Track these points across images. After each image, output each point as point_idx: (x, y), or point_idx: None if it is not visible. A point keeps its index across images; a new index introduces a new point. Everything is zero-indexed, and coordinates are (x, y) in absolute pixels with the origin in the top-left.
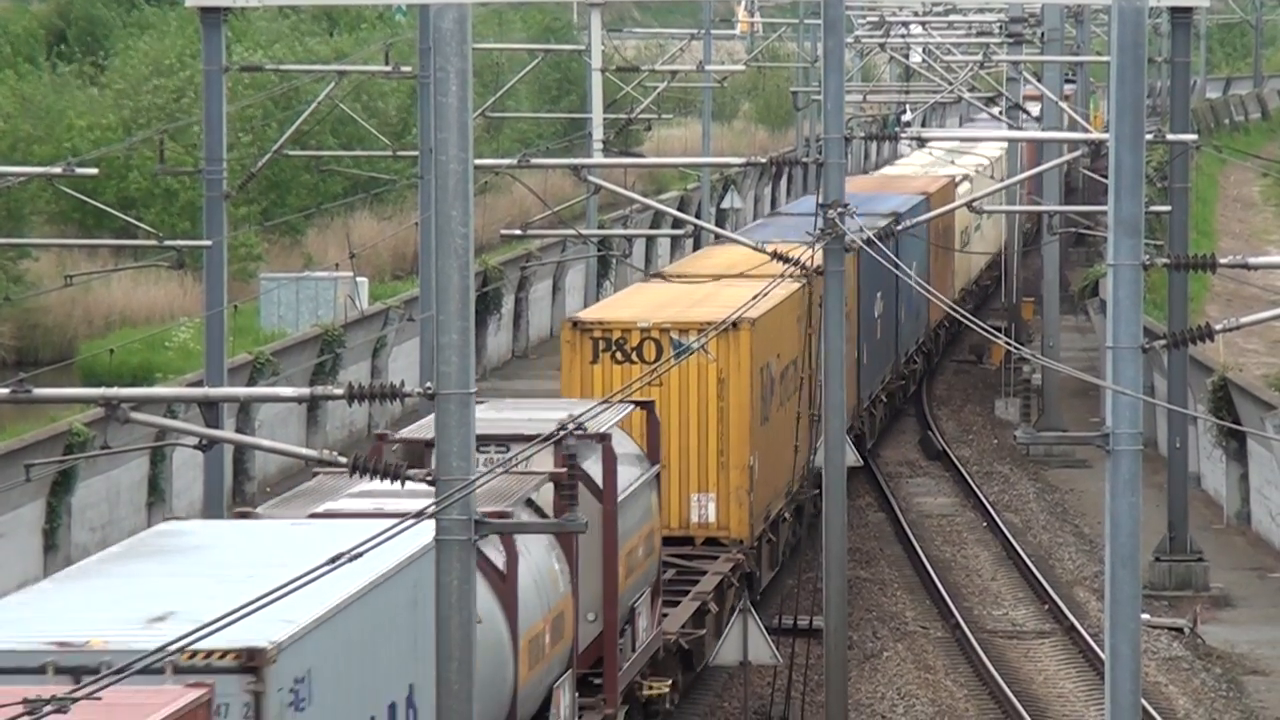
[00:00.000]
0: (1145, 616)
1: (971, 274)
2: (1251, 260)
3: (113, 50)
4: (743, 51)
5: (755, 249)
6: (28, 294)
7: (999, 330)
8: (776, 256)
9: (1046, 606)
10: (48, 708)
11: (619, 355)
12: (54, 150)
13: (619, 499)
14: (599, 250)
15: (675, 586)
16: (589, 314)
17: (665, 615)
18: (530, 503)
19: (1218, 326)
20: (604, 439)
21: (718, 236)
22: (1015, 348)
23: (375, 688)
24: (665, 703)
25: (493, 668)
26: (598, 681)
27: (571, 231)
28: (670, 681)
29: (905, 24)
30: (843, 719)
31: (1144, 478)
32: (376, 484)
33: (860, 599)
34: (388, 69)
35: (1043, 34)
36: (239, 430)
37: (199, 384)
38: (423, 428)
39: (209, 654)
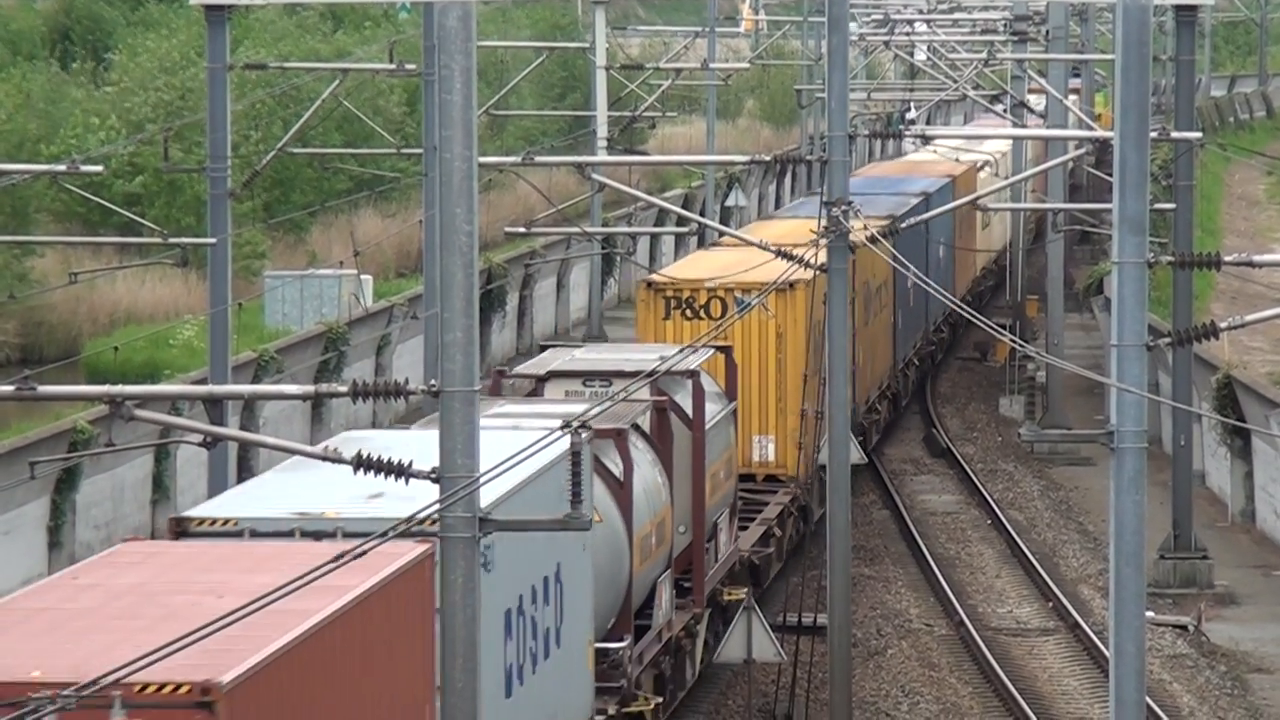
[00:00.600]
0: (1150, 614)
1: (993, 252)
2: (1256, 258)
3: (116, 49)
4: (747, 49)
5: (761, 247)
6: (33, 292)
7: (1003, 328)
8: (782, 254)
9: (1051, 604)
10: (329, 565)
11: (688, 312)
12: (60, 149)
13: (705, 427)
14: (603, 248)
15: (742, 514)
16: (661, 275)
17: (739, 536)
18: (637, 427)
19: (1222, 324)
20: (693, 375)
21: (722, 235)
22: (1020, 345)
23: (535, 561)
24: (740, 606)
25: (612, 559)
26: (687, 585)
27: (576, 229)
28: (745, 590)
29: (910, 22)
30: (847, 716)
31: (1149, 475)
32: (511, 406)
33: (864, 596)
34: (391, 67)
35: (1047, 32)
36: (243, 428)
37: (203, 382)
38: (537, 363)
39: (435, 521)
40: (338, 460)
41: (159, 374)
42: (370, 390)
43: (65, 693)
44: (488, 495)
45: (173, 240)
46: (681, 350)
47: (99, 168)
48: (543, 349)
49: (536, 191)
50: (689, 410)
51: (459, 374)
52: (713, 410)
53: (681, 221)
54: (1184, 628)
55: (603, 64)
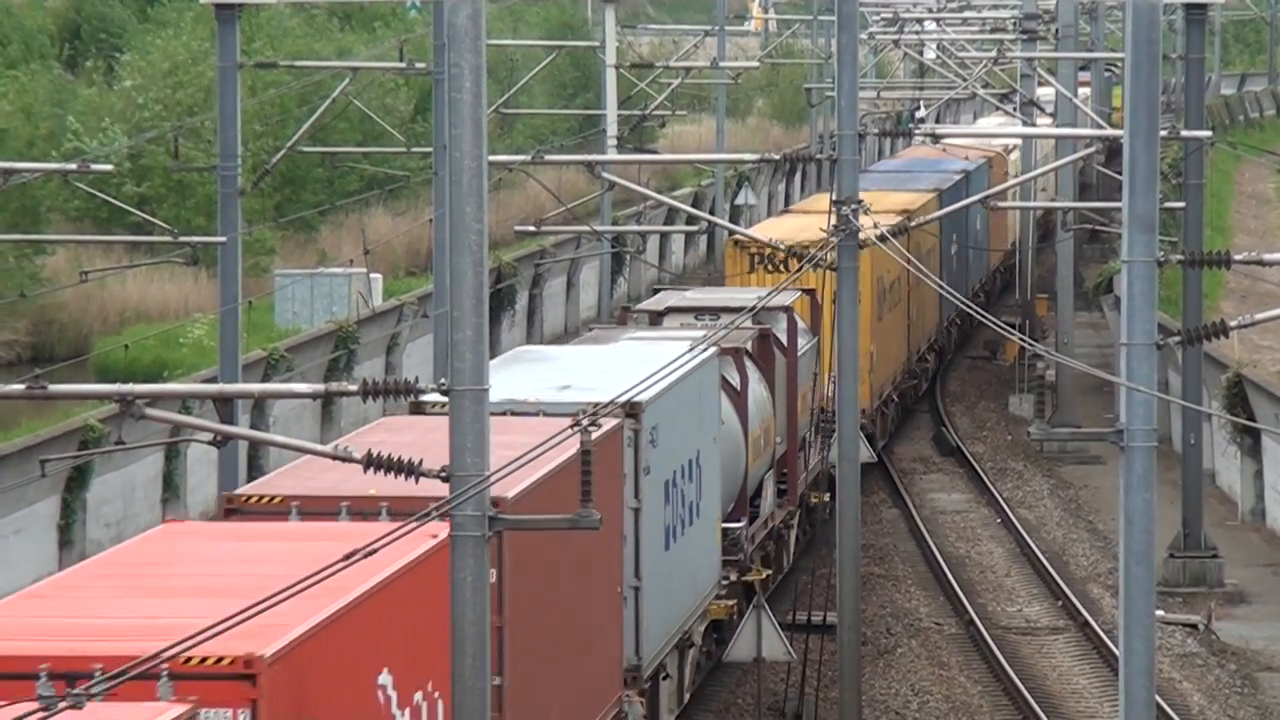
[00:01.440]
0: (1159, 613)
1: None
2: (1266, 256)
3: (126, 48)
4: (757, 48)
5: (769, 245)
6: (44, 290)
7: (1013, 326)
8: (791, 253)
9: (1060, 603)
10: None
11: (769, 266)
12: (64, 150)
13: (798, 354)
14: (613, 246)
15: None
16: (745, 235)
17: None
18: (746, 350)
19: (1232, 323)
20: (787, 310)
21: (732, 233)
22: (1029, 344)
23: (684, 445)
24: (824, 510)
25: (733, 454)
26: (783, 487)
27: (586, 228)
28: (827, 494)
29: (919, 20)
30: (856, 715)
31: (1158, 474)
32: (639, 333)
33: (874, 595)
34: (402, 65)
35: (1057, 30)
36: (253, 426)
37: (213, 380)
38: (654, 302)
39: (617, 407)
40: (347, 459)
41: (169, 373)
42: (380, 389)
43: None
44: (646, 394)
45: (183, 239)
46: (774, 290)
47: (109, 166)
48: (655, 292)
49: (546, 190)
50: (784, 340)
51: (469, 372)
52: (802, 342)
53: (691, 220)
54: (1194, 626)
55: (612, 63)
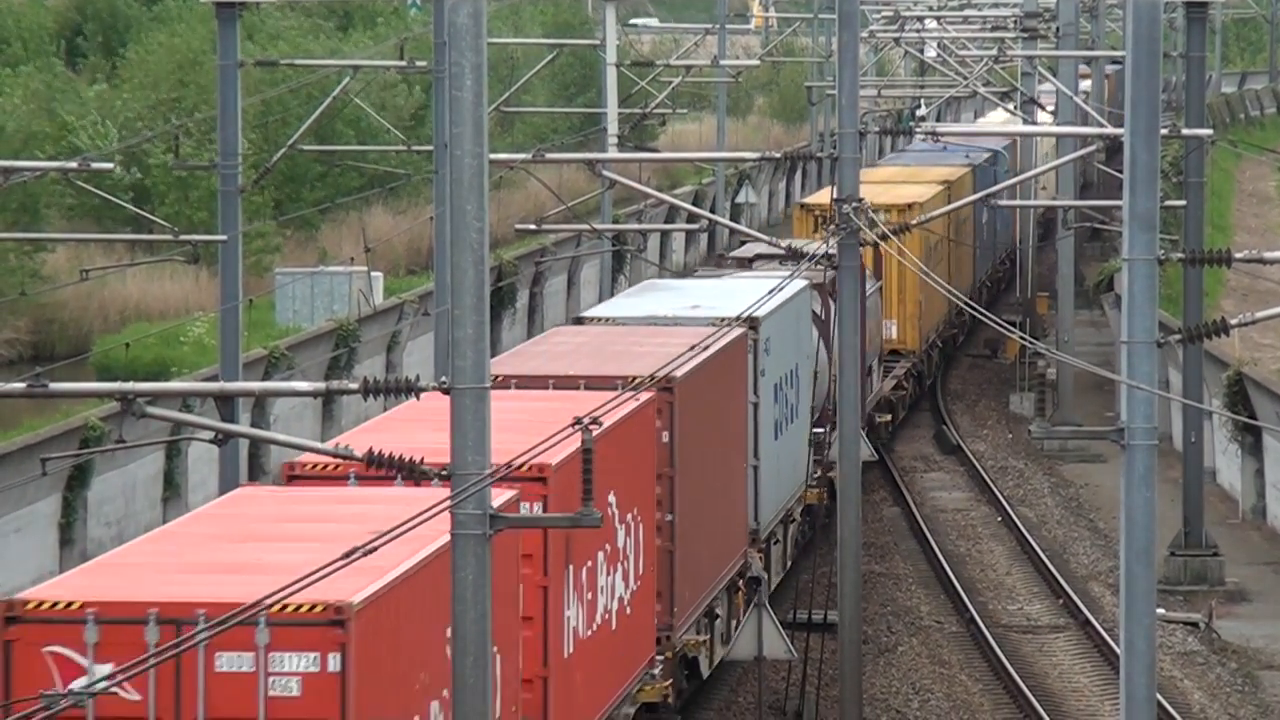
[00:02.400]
0: (1160, 611)
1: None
2: (1267, 255)
3: (129, 46)
4: (758, 46)
5: (771, 244)
6: (44, 289)
7: (1014, 325)
8: (792, 251)
9: (1061, 601)
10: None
11: (831, 227)
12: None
13: (865, 294)
14: (614, 245)
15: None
16: (811, 200)
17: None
18: (820, 285)
19: (1233, 321)
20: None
21: (733, 231)
22: (1030, 342)
23: (787, 357)
24: (887, 428)
25: (822, 370)
26: None
27: (586, 226)
28: (889, 417)
29: (920, 19)
30: (857, 713)
31: (1159, 472)
32: (735, 274)
33: (875, 594)
34: (402, 64)
35: (1057, 28)
36: (254, 425)
37: (214, 379)
38: (743, 250)
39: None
40: (348, 457)
41: (169, 371)
42: (381, 387)
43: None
44: (761, 311)
45: (184, 237)
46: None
47: (110, 165)
48: (742, 243)
49: (547, 189)
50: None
51: (470, 371)
52: (869, 285)
53: (692, 218)
54: (1195, 625)
55: (613, 61)
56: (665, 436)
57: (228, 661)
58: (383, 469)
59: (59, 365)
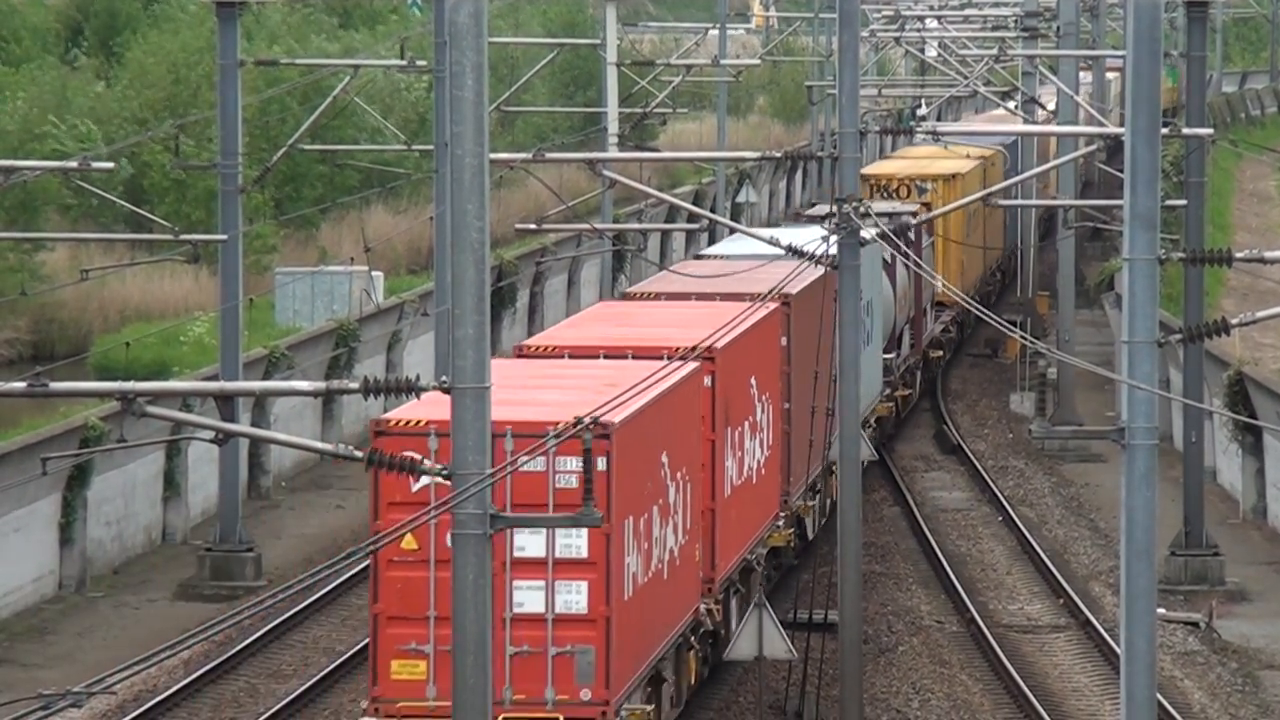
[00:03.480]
0: (1161, 611)
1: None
2: (1267, 254)
3: (127, 45)
4: (758, 45)
5: (771, 243)
6: (44, 289)
7: (1014, 324)
8: (791, 250)
9: (1062, 601)
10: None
11: (885, 194)
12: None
13: (922, 246)
14: (614, 244)
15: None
16: (868, 170)
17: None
18: (903, 225)
19: (1234, 321)
20: (915, 214)
21: (733, 231)
22: (1030, 342)
23: (867, 290)
24: (939, 364)
25: (887, 307)
26: (912, 342)
27: (586, 226)
28: (940, 353)
29: (920, 18)
30: (858, 713)
31: (1159, 472)
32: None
33: (875, 594)
34: (403, 63)
35: (1058, 28)
36: (254, 424)
37: (214, 378)
38: (818, 208)
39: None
40: (350, 457)
41: (169, 371)
42: (381, 387)
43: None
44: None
45: (184, 237)
46: (906, 200)
47: (110, 165)
48: (811, 205)
49: (547, 188)
50: (913, 236)
51: (470, 370)
52: (925, 241)
53: (692, 218)
54: (1195, 624)
55: (613, 60)
56: (784, 340)
57: (528, 465)
58: (383, 468)
59: (59, 365)
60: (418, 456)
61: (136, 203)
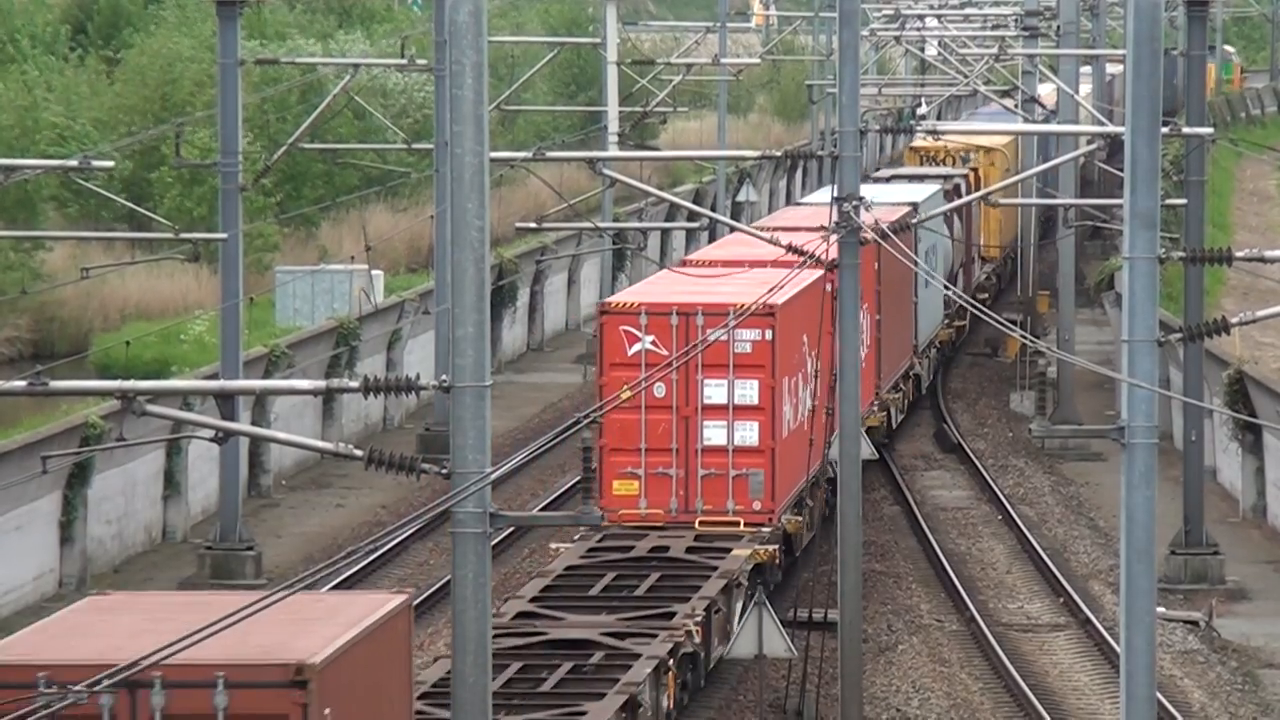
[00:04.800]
0: (1160, 610)
1: None
2: (1267, 254)
3: (129, 43)
4: (758, 45)
5: (771, 242)
6: (44, 287)
7: (1014, 323)
8: (792, 249)
9: (1061, 600)
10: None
11: (933, 163)
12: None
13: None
14: (614, 243)
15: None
16: (918, 144)
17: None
18: (949, 191)
19: (1234, 320)
20: (964, 178)
21: (733, 230)
22: (1030, 341)
23: (930, 235)
24: (992, 290)
25: (945, 250)
26: (964, 285)
27: (587, 224)
28: (985, 295)
29: (921, 17)
30: (857, 712)
31: (1159, 471)
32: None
33: (875, 592)
34: (403, 62)
35: (1058, 27)
36: (254, 423)
37: (215, 377)
38: (882, 172)
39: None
40: (350, 456)
41: (170, 369)
42: (381, 386)
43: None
44: (921, 198)
45: (184, 235)
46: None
47: (110, 164)
48: (891, 162)
49: (547, 187)
50: (963, 192)
51: (470, 369)
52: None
53: (692, 216)
54: (1195, 623)
55: (614, 59)
56: (875, 266)
57: (713, 336)
58: (383, 467)
59: (59, 363)
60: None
61: (139, 199)
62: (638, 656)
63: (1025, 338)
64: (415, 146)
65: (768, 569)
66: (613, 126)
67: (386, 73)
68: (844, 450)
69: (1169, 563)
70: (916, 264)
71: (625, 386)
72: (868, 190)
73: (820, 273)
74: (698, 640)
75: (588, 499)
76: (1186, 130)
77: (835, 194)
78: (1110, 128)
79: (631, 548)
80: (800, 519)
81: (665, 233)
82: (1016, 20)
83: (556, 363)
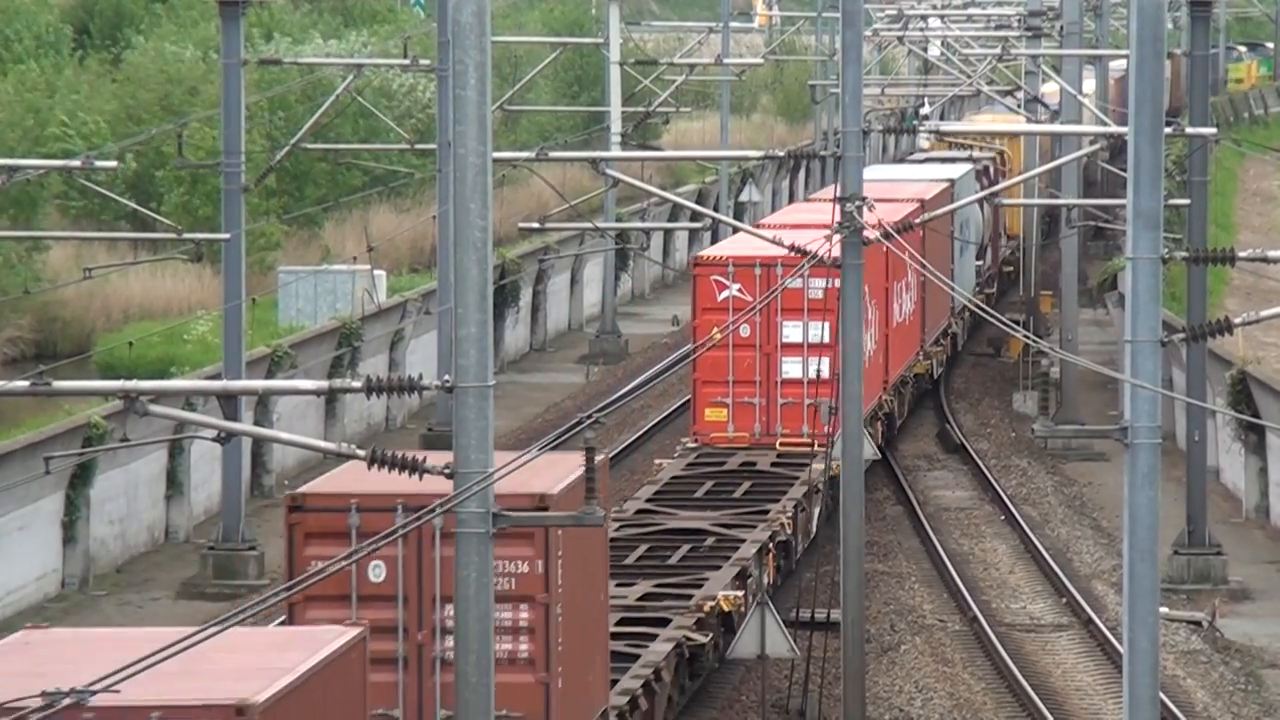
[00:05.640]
0: (1163, 610)
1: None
2: (1271, 254)
3: (131, 44)
4: (761, 45)
5: (772, 241)
6: (47, 287)
7: (1017, 323)
8: (794, 249)
9: (1064, 600)
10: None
11: (960, 148)
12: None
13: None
14: (617, 243)
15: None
16: (948, 127)
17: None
18: (982, 170)
19: (1237, 320)
20: (992, 160)
21: (736, 230)
22: (1033, 341)
23: (967, 208)
24: (1010, 277)
25: (977, 224)
26: (993, 257)
27: (589, 225)
28: (1011, 269)
29: (924, 17)
30: (860, 712)
31: (1163, 471)
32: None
33: (878, 592)
34: (406, 62)
35: (1061, 27)
36: (257, 423)
37: (217, 377)
38: (917, 154)
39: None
40: (351, 456)
41: (173, 369)
42: (384, 386)
43: None
44: (955, 174)
45: (187, 235)
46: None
47: (113, 163)
48: (925, 145)
49: (550, 187)
50: (992, 174)
51: (473, 369)
52: (1001, 179)
53: (695, 217)
54: (1198, 624)
55: (616, 59)
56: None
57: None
58: (385, 466)
59: (62, 364)
60: (421, 457)
61: (143, 198)
62: (743, 540)
63: (1028, 338)
64: (418, 147)
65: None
66: (615, 127)
67: (391, 73)
68: (847, 450)
69: (1172, 563)
70: (953, 235)
71: (715, 329)
72: (908, 170)
73: (911, 208)
74: (789, 531)
75: (590, 499)
76: (1190, 130)
77: (839, 194)
78: (1113, 128)
79: (723, 463)
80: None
81: (668, 233)
82: (1019, 20)
83: (559, 363)
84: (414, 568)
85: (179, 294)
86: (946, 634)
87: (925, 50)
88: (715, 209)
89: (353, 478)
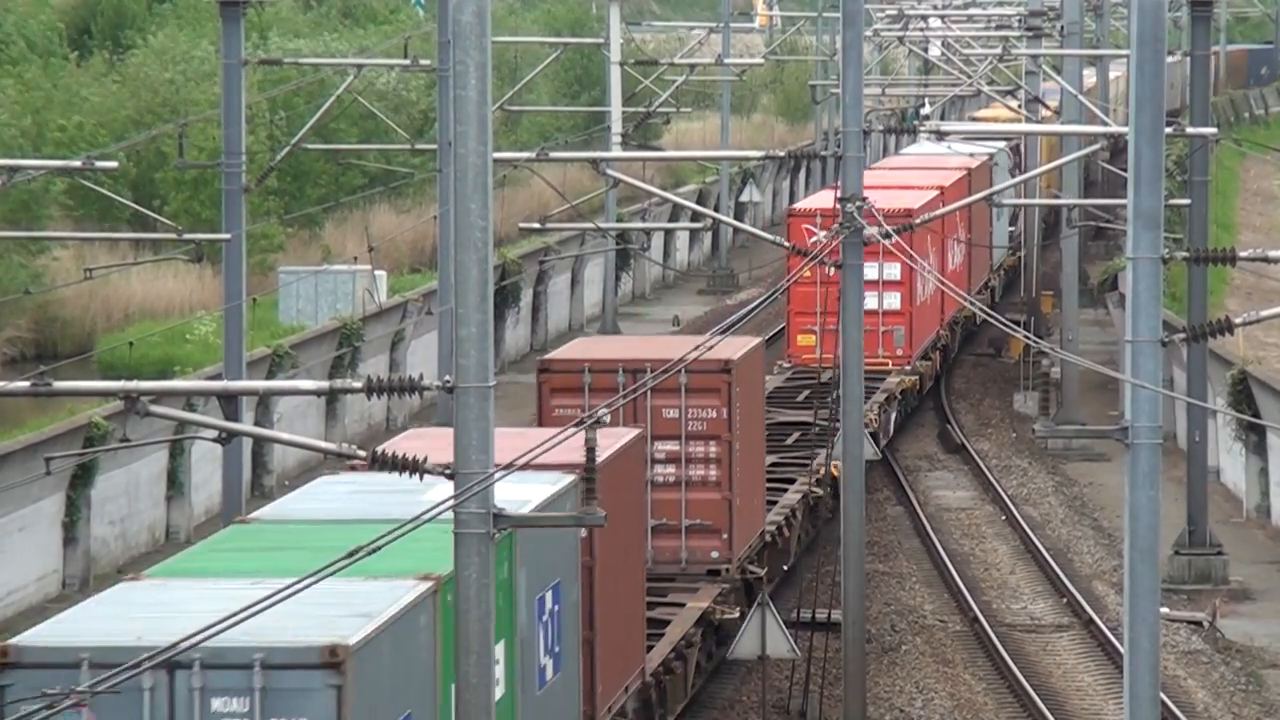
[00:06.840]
0: (1164, 610)
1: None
2: (1271, 254)
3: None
4: (762, 45)
5: (773, 242)
6: (48, 288)
7: (1018, 324)
8: (797, 251)
9: (1065, 600)
10: None
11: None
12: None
13: (1021, 164)
14: (617, 243)
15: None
16: (979, 114)
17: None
18: (1015, 148)
19: (1237, 320)
20: (1015, 147)
21: (737, 230)
22: (1034, 341)
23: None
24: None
25: (1010, 195)
26: (1013, 230)
27: (590, 225)
28: (1045, 223)
29: (924, 17)
30: (861, 712)
31: (1163, 471)
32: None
33: (878, 593)
34: (406, 62)
35: (1062, 27)
36: (257, 423)
37: (218, 377)
38: (921, 148)
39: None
40: (353, 456)
41: (173, 370)
42: (385, 386)
43: None
44: (995, 147)
45: (188, 236)
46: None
47: (114, 164)
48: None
49: (551, 187)
50: (1022, 150)
51: (473, 369)
52: (1023, 160)
53: (696, 217)
54: (1198, 624)
55: (617, 59)
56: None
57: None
58: (386, 468)
59: (63, 364)
60: (423, 457)
61: (145, 200)
62: (839, 428)
63: (1029, 338)
64: (419, 147)
65: (910, 394)
66: (616, 127)
67: (392, 73)
68: (848, 450)
69: (1173, 563)
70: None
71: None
72: (955, 146)
73: (960, 175)
74: (876, 425)
75: (590, 499)
76: (1190, 130)
77: (840, 194)
78: (1113, 128)
79: (815, 378)
80: (929, 363)
81: (668, 233)
82: (1020, 20)
83: None
84: (630, 415)
85: (180, 294)
86: (947, 634)
87: (926, 50)
88: (716, 209)
89: (583, 348)
